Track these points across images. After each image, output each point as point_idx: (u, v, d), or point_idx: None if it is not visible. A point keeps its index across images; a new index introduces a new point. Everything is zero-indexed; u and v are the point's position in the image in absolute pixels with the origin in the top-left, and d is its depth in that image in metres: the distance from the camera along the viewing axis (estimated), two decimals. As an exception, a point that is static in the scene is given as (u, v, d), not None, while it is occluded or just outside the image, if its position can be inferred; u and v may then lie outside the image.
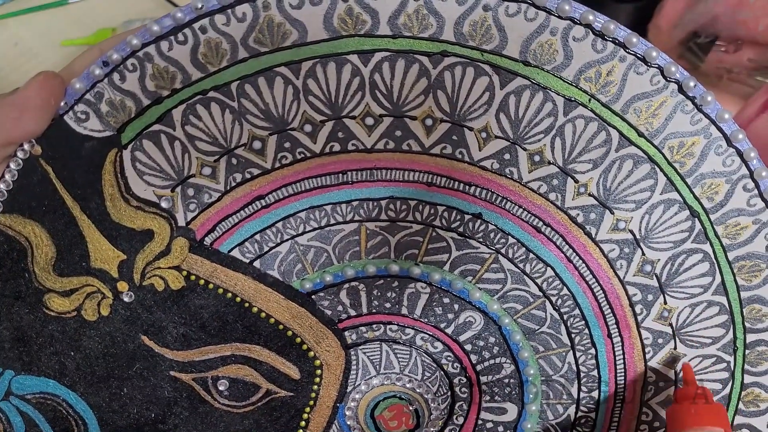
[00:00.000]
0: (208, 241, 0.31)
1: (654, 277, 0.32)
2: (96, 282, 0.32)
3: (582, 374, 0.34)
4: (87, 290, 0.32)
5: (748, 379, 0.34)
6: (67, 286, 0.32)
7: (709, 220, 0.31)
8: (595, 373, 0.34)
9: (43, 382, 0.33)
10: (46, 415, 0.33)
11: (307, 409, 0.34)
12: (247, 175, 0.30)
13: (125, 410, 0.34)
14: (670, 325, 0.33)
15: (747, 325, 0.33)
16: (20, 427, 0.33)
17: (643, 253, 0.32)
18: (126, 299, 0.32)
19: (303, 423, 0.34)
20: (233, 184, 0.31)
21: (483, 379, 0.34)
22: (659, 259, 0.32)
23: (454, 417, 0.35)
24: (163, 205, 0.31)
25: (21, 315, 0.32)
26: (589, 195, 0.31)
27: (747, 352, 0.33)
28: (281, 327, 0.33)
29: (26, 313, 0.32)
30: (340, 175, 0.31)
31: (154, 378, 0.33)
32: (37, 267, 0.31)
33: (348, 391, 0.34)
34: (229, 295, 0.32)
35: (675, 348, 0.33)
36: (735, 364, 0.33)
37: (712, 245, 0.31)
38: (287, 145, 0.30)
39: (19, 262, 0.31)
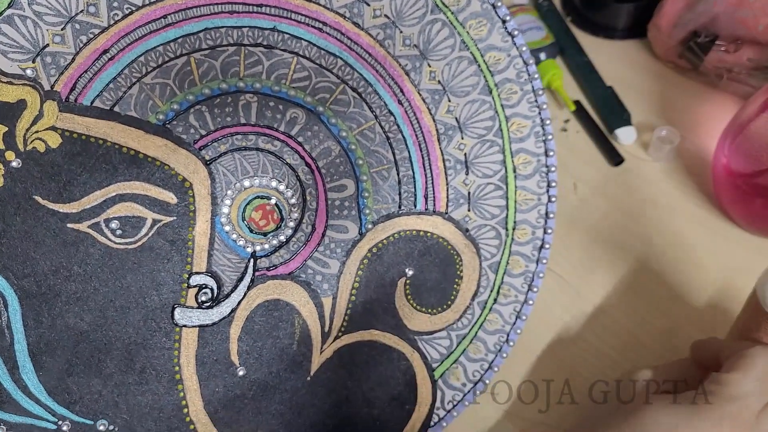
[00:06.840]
0: (72, 98, 0.39)
1: (414, 48, 0.43)
2: None
3: (390, 138, 0.44)
4: None
5: (508, 112, 0.45)
6: (-37, 167, 0.38)
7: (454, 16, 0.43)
8: (400, 136, 0.44)
9: (-43, 268, 0.37)
10: (-33, 297, 0.37)
11: (190, 228, 0.41)
12: (91, 35, 0.39)
13: (37, 273, 0.38)
14: (439, 82, 0.44)
15: (491, 69, 0.45)
16: None
17: (401, 31, 0.43)
18: (15, 165, 0.38)
19: (190, 243, 0.41)
20: (81, 45, 0.39)
21: (320, 163, 0.43)
22: (403, 24, 0.43)
23: (308, 203, 0.43)
24: (29, 74, 0.38)
25: None
26: (347, -6, 0.42)
27: (498, 90, 0.45)
28: (150, 159, 0.40)
29: None
30: (162, 19, 0.40)
31: (55, 235, 0.38)
32: None
33: (218, 202, 0.42)
34: (101, 141, 0.40)
35: (449, 100, 0.44)
36: (494, 102, 0.45)
37: (458, 32, 0.43)
38: (115, 4, 0.39)
39: None
